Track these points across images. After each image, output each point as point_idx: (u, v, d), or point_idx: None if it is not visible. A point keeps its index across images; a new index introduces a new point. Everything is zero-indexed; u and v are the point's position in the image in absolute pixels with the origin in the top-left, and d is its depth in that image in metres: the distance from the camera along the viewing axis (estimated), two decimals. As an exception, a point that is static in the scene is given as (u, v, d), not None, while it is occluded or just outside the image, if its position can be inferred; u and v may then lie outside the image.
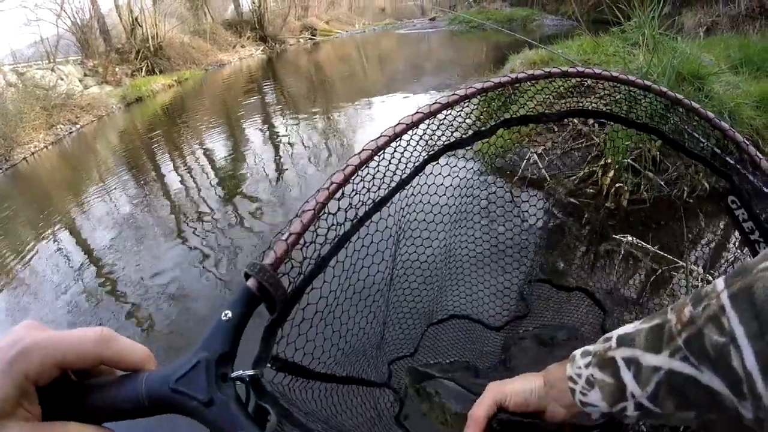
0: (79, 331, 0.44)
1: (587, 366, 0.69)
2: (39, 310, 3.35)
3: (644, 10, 4.10)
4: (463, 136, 0.88)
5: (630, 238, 2.48)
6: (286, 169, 5.48)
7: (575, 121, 3.82)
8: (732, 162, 1.01)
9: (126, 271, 3.60)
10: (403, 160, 0.82)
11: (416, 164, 0.84)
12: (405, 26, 27.85)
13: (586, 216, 3.03)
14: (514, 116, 0.92)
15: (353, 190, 0.73)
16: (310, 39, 29.53)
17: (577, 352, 0.73)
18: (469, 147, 0.90)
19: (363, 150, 0.72)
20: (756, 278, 0.50)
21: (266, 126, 8.07)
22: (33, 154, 9.78)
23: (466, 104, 0.83)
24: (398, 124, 0.76)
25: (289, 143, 6.72)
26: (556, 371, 0.75)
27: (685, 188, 3.13)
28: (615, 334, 0.68)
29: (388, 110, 7.73)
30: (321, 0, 36.90)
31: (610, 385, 0.65)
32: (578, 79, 0.96)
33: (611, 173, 3.21)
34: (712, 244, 2.47)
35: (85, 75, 15.43)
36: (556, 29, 13.50)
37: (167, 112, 12.36)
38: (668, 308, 0.61)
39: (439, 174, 0.94)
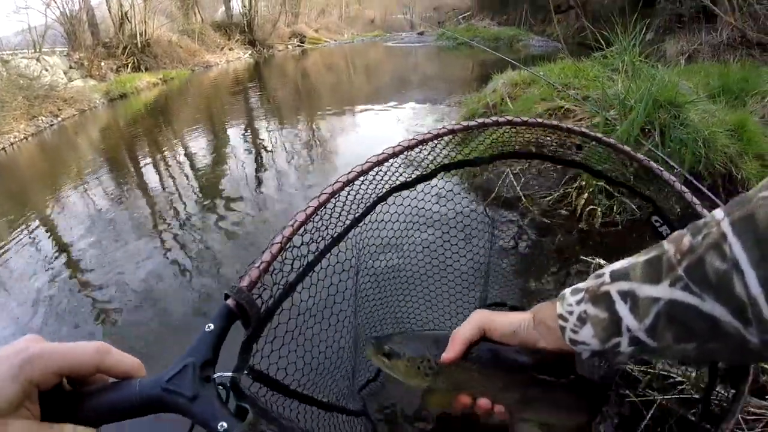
0: (79, 343, 0.51)
1: (579, 303, 0.67)
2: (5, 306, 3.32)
3: (626, 37, 4.22)
4: (408, 179, 0.99)
5: (600, 261, 2.56)
6: (266, 174, 5.48)
7: (555, 142, 3.91)
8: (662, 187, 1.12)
9: (97, 271, 3.56)
10: (356, 201, 0.92)
11: (367, 204, 0.95)
12: (393, 39, 28.00)
13: (559, 237, 3.09)
14: (452, 161, 1.04)
15: (314, 227, 0.82)
16: (298, 46, 29.58)
17: (567, 290, 0.71)
18: (413, 188, 1.03)
19: (321, 194, 0.82)
20: (757, 206, 0.50)
21: (249, 131, 8.04)
22: (12, 144, 9.63)
23: (409, 152, 0.94)
24: (350, 171, 0.86)
25: (271, 149, 6.71)
26: (545, 309, 0.74)
27: (656, 212, 3.22)
28: (607, 270, 0.67)
29: (374, 122, 7.76)
30: (311, 8, 37.03)
31: (604, 320, 0.64)
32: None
33: (585, 195, 3.29)
34: None
35: (70, 67, 15.27)
36: (541, 50, 13.71)
37: (151, 111, 12.24)
38: (663, 242, 0.61)
39: (392, 205, 1.08)
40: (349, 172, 0.87)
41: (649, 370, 1.45)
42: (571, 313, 0.68)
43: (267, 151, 6.68)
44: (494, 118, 1.03)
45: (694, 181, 2.65)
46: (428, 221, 1.29)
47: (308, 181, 5.05)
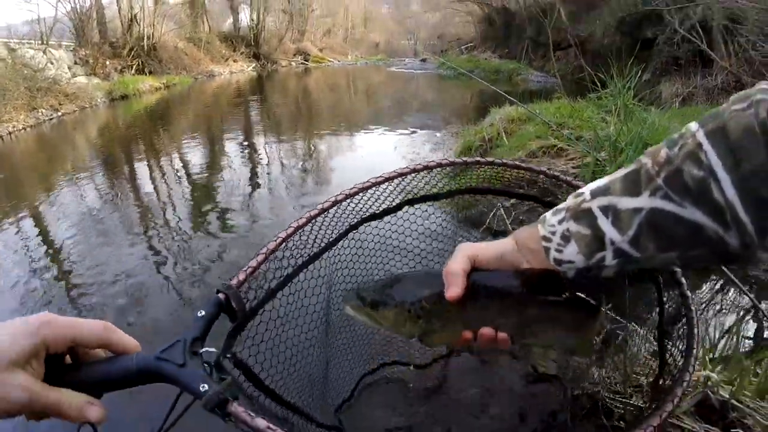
0: (89, 319, 0.60)
1: (561, 222, 0.68)
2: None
3: (621, 80, 4.33)
4: (376, 212, 1.11)
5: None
6: (259, 190, 5.51)
7: (539, 178, 4.00)
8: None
9: (81, 266, 3.62)
10: (331, 227, 1.05)
11: (340, 231, 1.08)
12: (396, 64, 28.31)
13: None
14: (415, 197, 1.16)
15: (294, 245, 0.95)
16: (302, 63, 29.88)
17: (548, 213, 0.72)
18: (380, 219, 1.15)
19: (300, 218, 0.95)
20: (730, 117, 0.54)
21: (246, 144, 8.09)
22: (10, 134, 9.65)
23: (378, 188, 1.08)
24: (326, 201, 1.00)
25: (265, 163, 6.76)
26: (526, 233, 0.74)
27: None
28: (586, 189, 0.68)
29: (371, 146, 7.81)
30: (318, 27, 37.49)
31: (587, 236, 0.65)
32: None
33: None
34: (662, 307, 2.64)
35: (75, 63, 15.33)
36: (539, 85, 13.87)
37: (151, 115, 12.33)
38: (639, 157, 0.64)
39: (361, 233, 1.19)
40: (324, 202, 0.99)
41: (623, 400, 1.51)
42: (553, 233, 0.69)
43: (262, 165, 6.73)
44: (451, 159, 1.15)
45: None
46: (396, 249, 1.38)
47: (300, 200, 5.08)
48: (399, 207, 1.14)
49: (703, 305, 2.82)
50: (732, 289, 2.85)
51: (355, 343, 1.43)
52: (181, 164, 6.86)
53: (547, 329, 0.77)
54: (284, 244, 0.90)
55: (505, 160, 1.22)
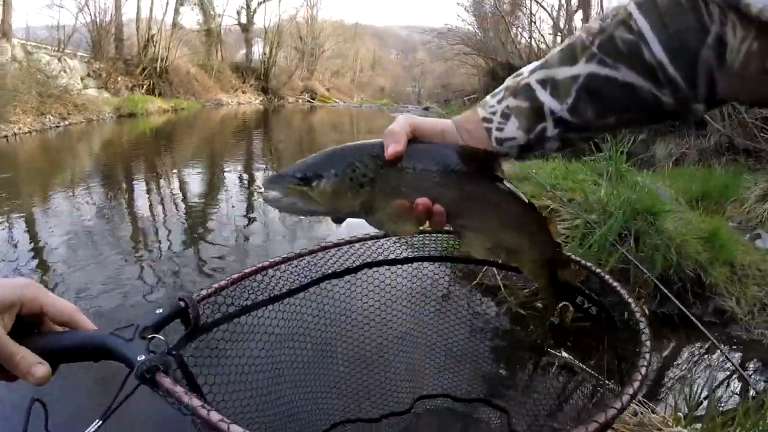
0: (63, 299, 0.66)
1: (500, 101, 0.69)
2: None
3: (615, 142, 4.42)
4: (337, 270, 1.19)
5: (565, 355, 2.61)
6: (250, 222, 5.52)
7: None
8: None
9: (65, 277, 3.66)
10: (291, 278, 1.12)
11: (302, 283, 1.14)
12: (399, 110, 28.61)
13: (530, 328, 3.13)
14: (375, 260, 1.23)
15: (257, 284, 1.04)
16: (308, 101, 30.31)
17: (487, 97, 0.72)
18: (340, 278, 1.20)
19: (264, 262, 1.05)
20: None
21: (245, 176, 8.12)
22: (15, 135, 9.73)
23: (340, 249, 1.17)
24: (290, 252, 1.10)
25: (262, 199, 6.73)
26: (464, 116, 0.74)
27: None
28: (525, 69, 0.69)
29: None
30: (327, 67, 38.25)
31: (527, 108, 0.66)
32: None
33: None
34: (640, 367, 2.69)
35: (88, 75, 15.55)
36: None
37: (156, 136, 12.43)
38: (573, 35, 0.66)
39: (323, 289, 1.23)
40: (289, 253, 1.09)
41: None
42: (494, 113, 0.69)
43: (258, 200, 6.54)
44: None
45: (659, 284, 2.85)
46: (359, 310, 1.38)
47: (297, 237, 5.09)
48: (359, 269, 1.21)
49: (687, 367, 2.88)
50: (716, 352, 2.92)
51: (306, 401, 1.35)
52: (179, 189, 6.90)
53: (486, 212, 0.74)
54: (247, 279, 1.00)
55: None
